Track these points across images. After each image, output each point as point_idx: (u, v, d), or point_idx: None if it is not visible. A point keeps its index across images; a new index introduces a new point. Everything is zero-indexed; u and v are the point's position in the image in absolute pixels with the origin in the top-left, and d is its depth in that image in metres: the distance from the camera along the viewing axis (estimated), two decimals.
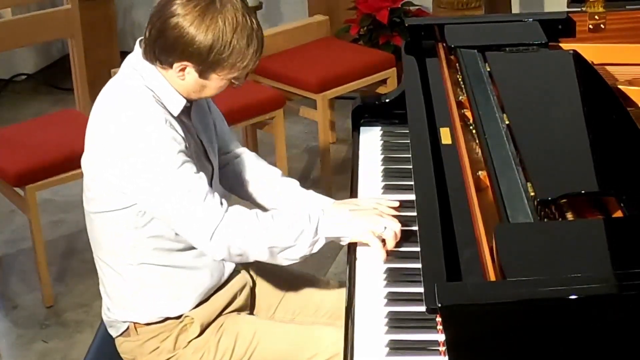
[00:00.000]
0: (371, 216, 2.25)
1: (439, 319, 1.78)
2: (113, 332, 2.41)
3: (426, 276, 1.94)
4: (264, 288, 2.51)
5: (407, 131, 2.58)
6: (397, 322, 2.00)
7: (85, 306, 3.63)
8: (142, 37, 2.24)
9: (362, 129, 2.87)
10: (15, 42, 4.34)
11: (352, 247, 2.29)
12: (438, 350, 1.89)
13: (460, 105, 2.58)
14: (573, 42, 2.81)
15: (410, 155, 2.45)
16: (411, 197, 2.35)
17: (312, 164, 4.64)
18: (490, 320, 1.65)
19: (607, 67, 2.69)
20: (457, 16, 4.35)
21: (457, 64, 2.73)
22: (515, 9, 5.10)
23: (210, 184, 2.27)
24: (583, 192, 1.99)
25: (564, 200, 1.98)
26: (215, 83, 2.21)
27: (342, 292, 2.22)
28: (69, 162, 3.46)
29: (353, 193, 2.53)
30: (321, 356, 2.30)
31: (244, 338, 2.34)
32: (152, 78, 2.22)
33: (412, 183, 2.33)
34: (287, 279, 2.53)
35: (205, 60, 2.15)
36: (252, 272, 2.50)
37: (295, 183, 2.47)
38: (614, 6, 2.86)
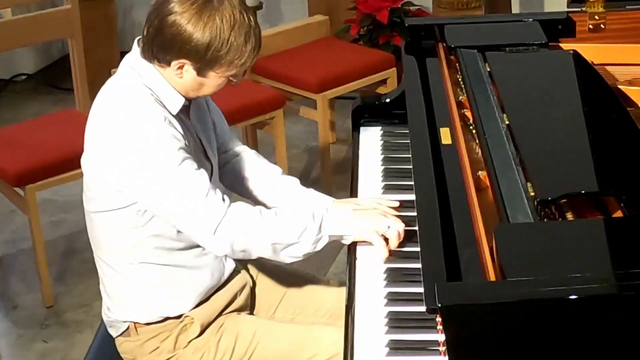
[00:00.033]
0: (375, 215, 2.26)
1: (439, 319, 1.78)
2: (113, 332, 2.41)
3: (426, 276, 1.94)
4: (264, 288, 2.51)
5: (407, 131, 2.58)
6: (397, 322, 2.00)
7: (85, 306, 3.63)
8: (140, 37, 2.24)
9: (362, 129, 2.87)
10: (15, 42, 4.34)
11: (352, 247, 2.29)
12: (438, 350, 1.89)
13: (460, 105, 2.58)
14: (573, 42, 2.81)
15: (410, 155, 2.45)
16: (411, 197, 2.35)
17: (312, 164, 4.64)
18: (490, 320, 1.65)
19: (607, 67, 2.69)
20: (457, 16, 4.36)
21: (457, 64, 2.73)
22: (515, 9, 5.10)
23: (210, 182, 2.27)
24: (583, 192, 1.99)
25: (564, 200, 1.98)
26: (213, 81, 2.22)
27: (342, 292, 2.22)
28: (69, 162, 3.47)
29: (353, 193, 2.53)
30: (321, 356, 2.30)
31: (244, 338, 2.34)
32: (151, 77, 2.22)
33: (412, 183, 2.33)
34: (287, 279, 2.53)
35: (203, 58, 2.15)
36: (252, 272, 2.50)
37: (295, 181, 2.47)
38: (614, 6, 2.86)
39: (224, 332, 2.36)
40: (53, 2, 5.19)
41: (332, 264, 3.76)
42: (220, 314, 2.38)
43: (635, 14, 2.87)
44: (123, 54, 2.32)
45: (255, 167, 2.50)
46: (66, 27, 4.30)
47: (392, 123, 2.85)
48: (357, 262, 2.23)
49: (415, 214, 2.19)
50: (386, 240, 2.22)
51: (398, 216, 2.28)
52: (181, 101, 2.24)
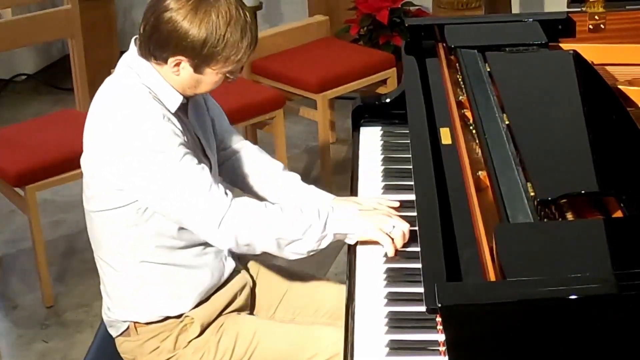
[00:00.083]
0: (379, 215, 2.26)
1: (439, 319, 1.78)
2: (113, 332, 2.41)
3: (426, 276, 1.94)
4: (264, 288, 2.51)
5: (407, 131, 2.58)
6: (397, 322, 2.00)
7: (85, 306, 3.63)
8: (137, 36, 2.24)
9: (362, 129, 2.87)
10: (16, 42, 4.34)
11: (352, 247, 2.29)
12: (438, 350, 1.89)
13: (460, 105, 2.58)
14: (573, 42, 2.81)
15: (410, 155, 2.45)
16: (411, 197, 2.35)
17: (312, 164, 4.64)
18: (490, 320, 1.65)
19: (607, 67, 2.69)
20: (457, 16, 4.35)
21: (457, 64, 2.73)
22: (515, 9, 5.10)
23: None
24: (583, 192, 1.99)
25: (564, 200, 1.98)
26: (210, 78, 2.22)
27: (342, 292, 2.22)
28: (69, 162, 3.46)
29: (353, 193, 2.54)
30: (321, 356, 2.30)
31: (244, 338, 2.34)
32: (148, 75, 2.22)
33: (412, 183, 2.33)
34: (287, 279, 2.53)
35: (200, 54, 2.16)
36: (252, 272, 2.50)
37: (296, 177, 2.48)
38: (614, 6, 2.86)
39: (224, 332, 2.36)
40: (53, 2, 5.19)
41: (332, 264, 3.76)
42: (220, 314, 2.38)
43: (635, 14, 2.87)
44: (123, 54, 2.32)
45: (257, 163, 2.50)
46: (66, 27, 4.30)
47: (392, 123, 2.85)
48: (357, 262, 2.23)
49: (415, 214, 2.19)
50: (391, 240, 2.23)
51: (399, 216, 2.28)
52: (179, 99, 2.24)
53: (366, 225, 2.24)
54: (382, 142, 2.78)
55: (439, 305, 1.66)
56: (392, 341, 1.95)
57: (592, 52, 2.71)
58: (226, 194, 2.20)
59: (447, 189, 2.19)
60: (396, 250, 2.22)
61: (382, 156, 2.69)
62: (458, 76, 2.70)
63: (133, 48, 2.26)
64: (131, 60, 2.25)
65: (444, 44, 2.86)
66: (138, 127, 2.17)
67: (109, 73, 2.32)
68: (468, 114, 2.53)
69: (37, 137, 3.75)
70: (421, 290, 1.93)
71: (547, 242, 1.83)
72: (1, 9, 4.88)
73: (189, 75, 2.21)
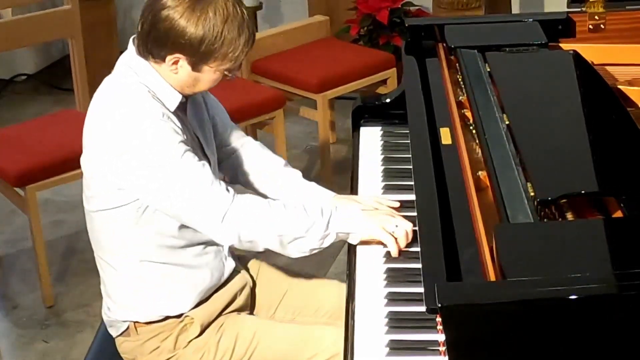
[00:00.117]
0: (382, 215, 2.27)
1: (439, 319, 1.78)
2: (113, 332, 2.41)
3: (426, 276, 1.94)
4: (264, 288, 2.51)
5: (407, 131, 2.58)
6: (397, 322, 2.00)
7: (85, 306, 3.63)
8: (135, 35, 2.25)
9: (362, 129, 2.87)
10: (16, 43, 4.34)
11: (352, 247, 2.29)
12: (438, 350, 1.89)
13: (460, 105, 2.58)
14: (573, 42, 2.81)
15: (410, 156, 2.45)
16: (411, 197, 2.35)
17: (312, 164, 4.64)
18: (490, 320, 1.65)
19: (607, 67, 2.69)
20: (457, 16, 4.35)
21: (457, 64, 2.73)
22: (515, 9, 5.10)
23: None
24: (583, 192, 1.99)
25: (564, 201, 1.98)
26: (208, 76, 2.22)
27: (343, 292, 2.22)
28: (69, 162, 3.47)
29: (353, 193, 2.54)
30: (321, 356, 2.30)
31: (244, 338, 2.34)
32: (147, 74, 2.23)
33: (412, 183, 2.33)
34: (287, 279, 2.53)
35: (197, 52, 2.16)
36: (252, 272, 2.51)
37: (297, 174, 2.49)
38: (614, 6, 2.86)
39: (224, 332, 2.36)
40: (53, 2, 5.19)
41: (332, 264, 3.76)
42: (220, 314, 2.39)
43: (635, 14, 2.87)
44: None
45: (258, 161, 2.51)
46: (66, 27, 4.30)
47: (392, 123, 2.85)
48: (357, 262, 2.24)
49: (415, 214, 2.19)
50: (394, 239, 2.23)
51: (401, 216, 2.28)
52: (178, 98, 2.24)
53: (369, 225, 2.24)
54: (382, 142, 2.78)
55: (439, 305, 1.66)
56: (392, 341, 1.95)
57: (592, 52, 2.71)
58: (228, 190, 2.21)
59: (447, 189, 2.19)
60: (399, 250, 2.22)
61: (382, 156, 2.69)
62: (458, 76, 2.70)
63: (131, 47, 2.26)
64: (129, 59, 2.26)
65: (444, 44, 2.86)
66: (136, 126, 2.17)
67: (109, 73, 2.32)
68: (468, 114, 2.53)
69: (37, 137, 3.75)
70: (421, 290, 1.93)
71: (547, 242, 1.83)
72: (1, 9, 4.88)
73: (187, 73, 2.21)
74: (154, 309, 2.33)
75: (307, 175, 2.53)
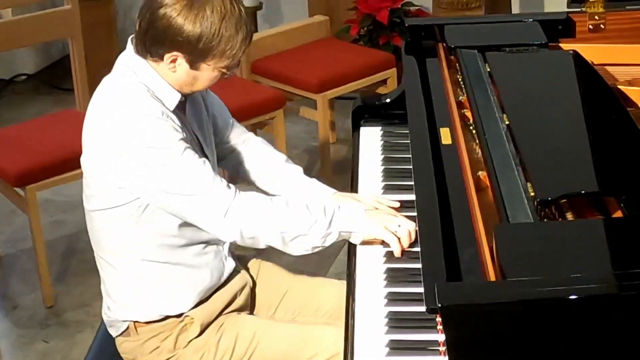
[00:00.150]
0: (385, 215, 2.27)
1: (439, 319, 1.78)
2: (113, 332, 2.41)
3: (426, 276, 1.94)
4: (264, 288, 2.51)
5: (407, 131, 2.58)
6: (397, 322, 2.00)
7: (85, 306, 3.63)
8: (134, 35, 2.25)
9: (362, 129, 2.88)
10: (16, 43, 4.34)
11: (352, 247, 2.29)
12: (438, 350, 1.89)
13: (460, 105, 2.58)
14: (573, 43, 2.81)
15: (410, 156, 2.45)
16: (411, 197, 2.35)
17: (312, 164, 4.64)
18: (490, 320, 1.65)
19: (607, 67, 2.69)
20: (457, 16, 4.35)
21: (457, 64, 2.73)
22: (515, 9, 5.10)
23: None
24: (583, 192, 1.99)
25: (564, 201, 1.98)
26: (206, 74, 2.22)
27: (343, 292, 2.22)
28: (69, 162, 3.47)
29: (353, 193, 2.53)
30: (321, 356, 2.30)
31: (244, 338, 2.34)
32: (145, 73, 2.23)
33: (412, 183, 2.33)
34: (287, 279, 2.53)
35: (195, 50, 2.16)
36: (252, 272, 2.51)
37: (298, 171, 2.49)
38: (614, 6, 2.86)
39: (224, 332, 2.36)
40: (53, 2, 5.19)
41: (332, 264, 3.77)
42: (220, 314, 2.39)
43: (635, 14, 2.87)
44: None
45: (259, 158, 2.51)
46: (66, 28, 4.30)
47: (392, 123, 2.85)
48: (357, 262, 2.24)
49: (415, 214, 2.19)
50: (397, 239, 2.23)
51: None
52: (177, 97, 2.25)
53: (372, 224, 2.25)
54: (382, 142, 2.78)
55: (439, 305, 1.66)
56: (392, 341, 1.95)
57: (592, 52, 2.71)
58: (229, 187, 2.21)
59: (447, 189, 2.19)
60: (402, 250, 2.22)
61: (382, 156, 2.69)
62: (458, 76, 2.70)
63: (130, 47, 2.26)
64: (128, 59, 2.26)
65: (444, 44, 2.86)
66: (135, 126, 2.17)
67: (109, 73, 2.32)
68: (468, 114, 2.53)
69: (37, 137, 3.75)
70: (421, 290, 1.93)
71: (547, 242, 1.83)
72: (1, 9, 4.88)
73: (185, 71, 2.21)
74: (154, 308, 2.33)
75: (307, 176, 2.53)
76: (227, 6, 2.16)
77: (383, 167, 2.64)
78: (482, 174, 2.23)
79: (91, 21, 4.94)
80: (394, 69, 4.54)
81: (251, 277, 2.49)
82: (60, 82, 5.55)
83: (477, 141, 2.35)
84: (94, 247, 2.38)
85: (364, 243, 2.28)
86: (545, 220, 1.95)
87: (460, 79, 2.67)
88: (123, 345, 2.40)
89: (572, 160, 2.12)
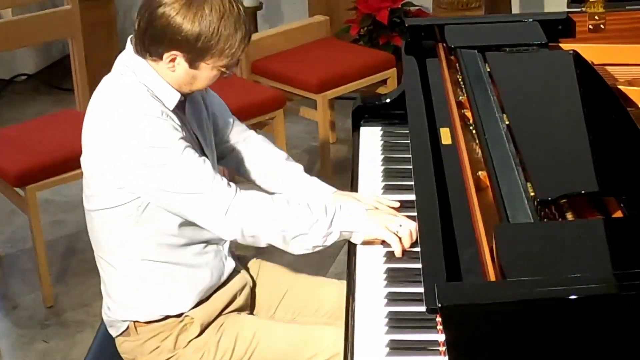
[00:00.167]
0: (386, 215, 2.27)
1: (439, 319, 1.78)
2: (113, 332, 2.41)
3: (426, 276, 1.94)
4: (264, 288, 2.51)
5: (407, 131, 2.58)
6: (397, 322, 2.00)
7: (85, 306, 3.63)
8: (133, 35, 2.25)
9: (362, 129, 2.88)
10: (16, 43, 4.34)
11: (352, 247, 2.29)
12: (438, 350, 1.89)
13: (460, 105, 2.58)
14: (573, 43, 2.81)
15: (410, 156, 2.45)
16: (411, 197, 2.35)
17: (312, 164, 4.64)
18: (490, 320, 1.65)
19: (607, 67, 2.69)
20: (457, 16, 4.35)
21: (457, 64, 2.73)
22: (515, 9, 5.10)
23: None
24: (583, 192, 1.99)
25: (564, 201, 1.98)
26: (205, 73, 2.22)
27: (343, 292, 2.22)
28: (69, 162, 3.47)
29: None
30: (321, 356, 2.30)
31: (244, 338, 2.34)
32: (144, 73, 2.23)
33: (412, 183, 2.33)
34: (287, 279, 2.53)
35: (194, 48, 2.16)
36: (252, 272, 2.51)
37: (299, 169, 2.50)
38: (614, 6, 2.86)
39: (224, 332, 2.36)
40: (53, 2, 5.19)
41: (332, 264, 3.77)
42: (220, 314, 2.39)
43: (635, 14, 2.87)
44: None
45: (260, 156, 2.52)
46: (66, 28, 4.30)
47: (392, 123, 2.85)
48: (357, 262, 2.24)
49: (415, 214, 2.19)
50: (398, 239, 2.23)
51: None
52: (177, 96, 2.25)
53: (373, 224, 2.25)
54: (382, 142, 2.78)
55: (439, 305, 1.66)
56: (392, 341, 1.95)
57: (592, 52, 2.71)
58: (229, 185, 2.21)
59: (447, 189, 2.19)
60: (403, 250, 2.22)
61: (382, 156, 2.69)
62: (458, 76, 2.70)
63: (129, 47, 2.27)
64: (127, 59, 2.26)
65: (444, 44, 2.86)
66: (135, 126, 2.17)
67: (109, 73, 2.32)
68: (468, 114, 2.53)
69: (37, 137, 3.75)
70: (421, 290, 1.93)
71: (547, 242, 1.83)
72: (1, 9, 4.88)
73: (184, 71, 2.22)
74: (153, 308, 2.33)
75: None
76: (225, 5, 2.17)
77: (383, 167, 2.64)
78: (482, 174, 2.23)
79: (91, 21, 4.94)
80: (394, 69, 4.54)
81: (251, 277, 2.49)
82: (60, 82, 5.55)
83: (477, 141, 2.35)
84: (94, 247, 2.38)
85: (365, 243, 2.28)
86: (545, 220, 1.95)
87: (460, 79, 2.67)
88: (123, 345, 2.40)
89: (572, 160, 2.12)
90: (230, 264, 2.41)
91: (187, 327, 2.35)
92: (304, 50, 4.60)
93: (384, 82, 4.56)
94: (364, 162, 2.68)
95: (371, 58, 4.57)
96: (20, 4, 4.87)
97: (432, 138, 2.43)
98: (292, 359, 2.33)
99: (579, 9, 2.86)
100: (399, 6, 4.93)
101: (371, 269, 2.20)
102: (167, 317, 2.34)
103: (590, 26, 2.85)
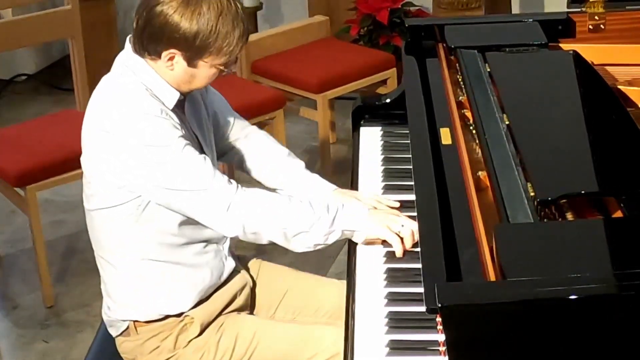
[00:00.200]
0: (388, 215, 2.27)
1: (439, 319, 1.78)
2: (113, 332, 2.41)
3: (426, 276, 1.94)
4: (264, 288, 2.51)
5: (407, 131, 2.58)
6: (397, 322, 2.00)
7: (85, 306, 3.63)
8: (131, 35, 2.25)
9: (362, 129, 2.88)
10: (16, 43, 4.34)
11: (352, 247, 2.29)
12: (438, 350, 1.89)
13: (460, 105, 2.58)
14: (573, 43, 2.81)
15: (410, 156, 2.45)
16: (411, 197, 2.35)
17: (312, 164, 4.64)
18: (490, 320, 1.65)
19: (607, 68, 2.69)
20: (457, 16, 4.35)
21: (457, 64, 2.73)
22: (515, 9, 5.10)
23: None
24: (583, 192, 1.99)
25: (564, 201, 1.98)
26: (204, 71, 2.22)
27: (343, 292, 2.22)
28: (70, 162, 3.47)
29: None
30: (321, 356, 2.30)
31: (244, 338, 2.35)
32: (144, 72, 2.23)
33: (412, 183, 2.33)
34: (287, 279, 2.53)
35: (192, 46, 2.17)
36: (252, 272, 2.51)
37: (300, 165, 2.50)
38: (614, 6, 2.86)
39: (224, 331, 2.36)
40: (53, 2, 5.19)
41: (332, 264, 3.76)
42: (220, 314, 2.39)
43: (635, 14, 2.87)
44: None
45: (262, 152, 2.52)
46: (66, 28, 4.30)
47: (392, 123, 2.85)
48: (357, 262, 2.24)
49: (415, 214, 2.19)
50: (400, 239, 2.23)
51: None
52: (176, 95, 2.25)
53: (375, 224, 2.25)
54: (382, 142, 2.78)
55: (439, 305, 1.66)
56: (392, 341, 1.95)
57: (592, 52, 2.71)
58: (230, 182, 2.22)
59: (447, 189, 2.19)
60: (404, 250, 2.22)
61: (382, 156, 2.69)
62: (458, 76, 2.70)
63: (128, 47, 2.27)
64: (126, 58, 2.26)
65: (444, 44, 2.86)
66: (135, 125, 2.18)
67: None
68: (468, 114, 2.53)
69: (37, 137, 3.75)
70: (421, 290, 1.93)
71: (547, 242, 1.83)
72: (1, 9, 4.88)
73: (183, 69, 2.22)
74: (153, 307, 2.33)
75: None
76: (223, 3, 2.17)
77: (383, 167, 2.64)
78: (482, 174, 2.23)
79: (91, 21, 4.94)
80: (394, 69, 4.54)
81: (251, 277, 2.49)
82: (60, 82, 5.55)
83: (477, 141, 2.35)
84: (94, 247, 2.38)
85: (366, 243, 2.28)
86: (545, 220, 1.95)
87: (460, 79, 2.67)
88: (123, 345, 2.40)
89: (572, 160, 2.12)
90: (230, 264, 2.41)
91: (187, 327, 2.35)
92: (304, 50, 4.60)
93: (384, 82, 4.56)
94: (364, 162, 2.68)
95: (371, 58, 4.57)
96: (20, 4, 4.87)
97: (432, 138, 2.43)
98: (292, 359, 2.33)
99: (579, 9, 2.86)
100: (399, 6, 4.93)
101: (371, 269, 2.20)
102: (167, 316, 2.34)
103: (590, 26, 2.85)
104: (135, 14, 2.22)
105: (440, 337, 1.86)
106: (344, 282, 2.29)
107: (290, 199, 2.26)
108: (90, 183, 2.28)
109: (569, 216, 1.96)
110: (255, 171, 2.53)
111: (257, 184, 2.43)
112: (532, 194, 2.00)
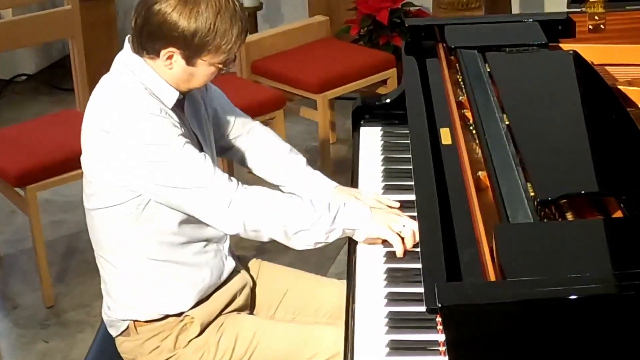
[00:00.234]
0: (390, 214, 2.27)
1: (439, 319, 1.78)
2: (113, 332, 2.41)
3: (426, 276, 1.94)
4: (264, 288, 2.51)
5: (407, 131, 2.58)
6: (397, 322, 2.00)
7: (85, 306, 3.63)
8: (130, 34, 2.26)
9: (362, 129, 2.88)
10: (16, 43, 4.34)
11: (352, 247, 2.29)
12: (438, 350, 1.89)
13: (460, 105, 2.58)
14: (573, 43, 2.81)
15: (410, 156, 2.45)
16: (411, 197, 2.35)
17: (312, 164, 4.59)
18: (490, 320, 1.65)
19: (607, 68, 2.69)
20: (457, 16, 4.35)
21: (457, 65, 2.73)
22: (515, 9, 5.10)
23: None
24: (583, 192, 1.99)
25: (564, 201, 1.98)
26: (202, 70, 2.23)
27: (343, 292, 2.22)
28: (70, 162, 3.47)
29: None
30: (321, 356, 2.31)
31: (244, 338, 2.35)
32: (143, 71, 2.23)
33: (412, 183, 2.34)
34: (287, 279, 2.53)
35: (190, 45, 2.17)
36: (252, 272, 2.51)
37: (302, 161, 2.51)
38: (614, 6, 2.86)
39: (224, 331, 2.36)
40: (53, 2, 5.19)
41: (332, 264, 3.76)
42: (220, 314, 2.39)
43: (635, 14, 2.87)
44: None
45: (262, 151, 2.52)
46: (66, 28, 4.30)
47: (392, 123, 2.85)
48: (357, 262, 2.24)
49: (415, 214, 2.19)
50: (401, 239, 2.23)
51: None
52: (175, 94, 2.25)
53: (376, 223, 2.25)
54: (382, 142, 2.78)
55: (439, 305, 1.66)
56: (392, 341, 1.95)
57: (592, 52, 2.71)
58: (230, 179, 2.22)
59: (447, 189, 2.19)
60: (405, 250, 2.22)
61: (382, 156, 2.69)
62: (458, 76, 2.70)
63: (127, 46, 2.27)
64: (126, 58, 2.27)
65: (444, 44, 2.86)
66: (134, 125, 2.18)
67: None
68: (468, 114, 2.53)
69: (37, 137, 3.75)
70: (421, 290, 1.94)
71: (547, 242, 1.83)
72: (1, 9, 4.88)
73: (181, 68, 2.22)
74: (153, 307, 2.33)
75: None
76: (221, 1, 2.17)
77: (383, 167, 2.64)
78: (482, 174, 2.23)
79: (91, 21, 4.94)
80: (394, 69, 4.54)
81: (251, 277, 2.49)
82: (60, 82, 5.55)
83: (477, 141, 2.35)
84: (94, 246, 2.38)
85: (367, 242, 2.28)
86: (545, 220, 1.95)
87: (460, 79, 2.67)
88: (123, 345, 2.40)
89: (572, 160, 2.12)
90: (230, 264, 2.41)
91: (187, 327, 2.35)
92: (304, 51, 4.60)
93: (384, 82, 4.56)
94: (364, 162, 2.68)
95: (371, 58, 4.57)
96: (20, 4, 4.87)
97: (432, 138, 2.43)
98: (292, 359, 2.33)
99: (579, 9, 2.86)
100: (399, 6, 4.93)
101: (371, 269, 2.20)
102: (167, 316, 2.34)
103: (590, 26, 2.85)
104: (133, 13, 2.23)
105: (440, 337, 1.86)
106: (344, 282, 2.30)
107: (291, 196, 2.26)
108: (90, 183, 2.28)
109: (569, 216, 1.96)
110: (257, 167, 2.53)
111: (259, 181, 2.43)
112: (532, 194, 2.00)
